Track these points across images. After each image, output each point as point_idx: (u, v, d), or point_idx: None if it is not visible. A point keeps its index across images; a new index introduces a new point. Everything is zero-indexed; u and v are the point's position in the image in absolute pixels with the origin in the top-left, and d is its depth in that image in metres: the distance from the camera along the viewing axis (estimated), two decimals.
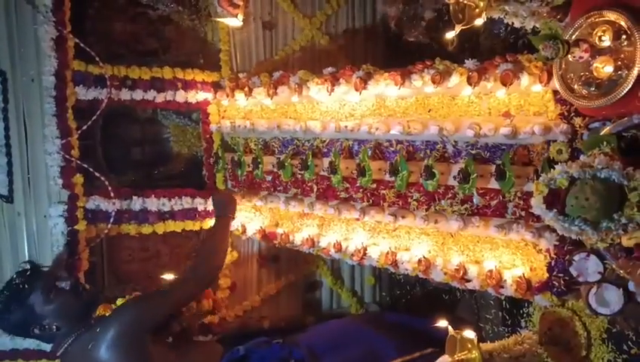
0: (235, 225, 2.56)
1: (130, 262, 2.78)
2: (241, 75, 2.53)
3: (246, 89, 2.40)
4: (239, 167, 2.51)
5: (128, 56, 2.63)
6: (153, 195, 2.44)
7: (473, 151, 1.78)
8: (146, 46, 2.73)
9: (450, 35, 1.57)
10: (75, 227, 2.30)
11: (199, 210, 2.53)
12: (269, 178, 2.43)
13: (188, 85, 2.52)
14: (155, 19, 2.74)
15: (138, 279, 2.78)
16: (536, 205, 1.37)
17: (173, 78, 2.49)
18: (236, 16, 2.35)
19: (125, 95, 2.43)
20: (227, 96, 2.50)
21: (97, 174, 2.37)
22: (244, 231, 2.53)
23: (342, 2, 2.71)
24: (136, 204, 2.41)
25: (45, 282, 1.93)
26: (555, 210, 1.33)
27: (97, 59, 2.36)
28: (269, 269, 2.77)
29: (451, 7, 1.54)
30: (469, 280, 1.81)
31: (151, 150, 2.81)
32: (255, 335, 2.20)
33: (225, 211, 2.35)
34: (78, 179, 2.31)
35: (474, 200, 1.78)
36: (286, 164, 2.29)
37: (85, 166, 2.34)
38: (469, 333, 1.46)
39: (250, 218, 2.57)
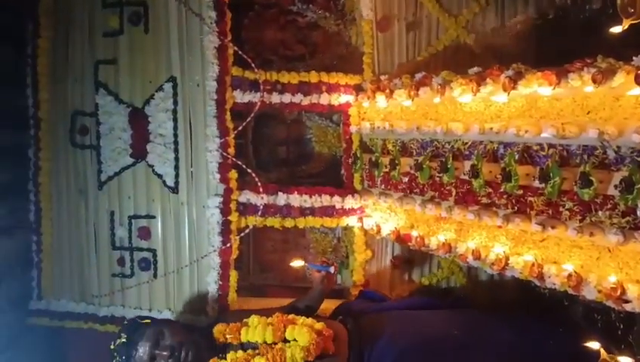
0: (370, 224, 2.62)
1: (273, 252, 3.00)
2: (382, 77, 2.57)
3: (387, 91, 2.42)
4: (376, 168, 2.55)
5: (277, 62, 2.83)
6: (296, 192, 2.60)
7: (639, 159, 1.60)
8: (295, 51, 2.91)
9: (616, 30, 1.43)
10: (229, 217, 2.54)
11: (337, 207, 2.63)
12: (406, 179, 2.43)
13: (332, 88, 2.63)
14: (304, 26, 2.90)
15: (278, 269, 2.98)
16: None
17: (318, 81, 2.61)
18: None
19: (275, 98, 2.61)
20: (368, 98, 2.55)
21: (249, 171, 2.58)
22: (378, 231, 2.56)
23: None
24: (281, 199, 2.58)
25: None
26: None
27: (253, 65, 2.57)
28: (401, 271, 2.77)
29: (619, 1, 1.40)
30: (627, 301, 1.62)
31: (295, 149, 2.99)
32: None
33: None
34: (233, 174, 2.56)
35: (638, 212, 1.59)
36: (424, 165, 2.27)
37: (239, 163, 2.57)
38: (626, 359, 1.32)
39: (386, 218, 2.60)
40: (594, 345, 1.39)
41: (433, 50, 2.64)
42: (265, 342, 2.04)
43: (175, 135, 2.61)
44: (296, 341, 2.00)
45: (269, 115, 2.87)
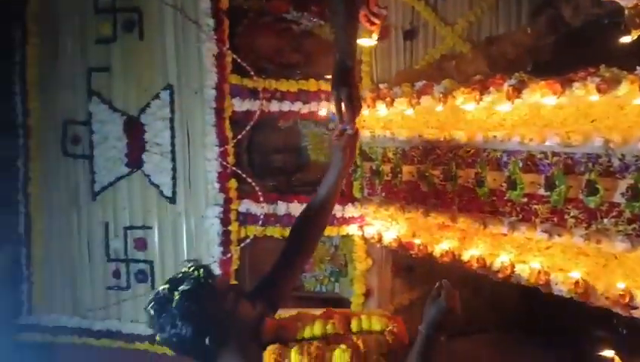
0: (371, 232, 2.60)
1: (268, 263, 2.94)
2: (381, 86, 2.57)
3: (387, 99, 2.42)
4: (378, 176, 2.54)
5: (272, 70, 2.79)
6: (296, 200, 2.57)
7: None
8: (290, 60, 2.88)
9: (625, 40, 1.45)
10: (229, 228, 2.51)
11: (337, 216, 2.61)
12: (408, 187, 2.43)
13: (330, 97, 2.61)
14: (298, 34, 2.88)
15: None
16: None
17: (317, 89, 2.60)
18: (371, 35, 2.09)
19: (274, 106, 2.59)
20: (368, 106, 2.54)
21: (249, 180, 2.55)
22: (380, 240, 2.55)
23: (486, 9, 2.63)
24: (282, 208, 2.55)
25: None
26: None
27: (252, 73, 2.54)
28: (403, 279, 2.76)
29: (627, 12, 1.43)
30: (635, 308, 1.65)
31: (290, 158, 2.95)
32: None
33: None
34: (233, 183, 2.52)
35: None
36: (427, 174, 2.27)
37: (239, 172, 2.53)
38: None
39: (387, 226, 2.59)
40: (608, 353, 1.40)
41: (430, 58, 2.66)
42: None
43: (172, 144, 2.57)
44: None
45: (264, 123, 2.84)
